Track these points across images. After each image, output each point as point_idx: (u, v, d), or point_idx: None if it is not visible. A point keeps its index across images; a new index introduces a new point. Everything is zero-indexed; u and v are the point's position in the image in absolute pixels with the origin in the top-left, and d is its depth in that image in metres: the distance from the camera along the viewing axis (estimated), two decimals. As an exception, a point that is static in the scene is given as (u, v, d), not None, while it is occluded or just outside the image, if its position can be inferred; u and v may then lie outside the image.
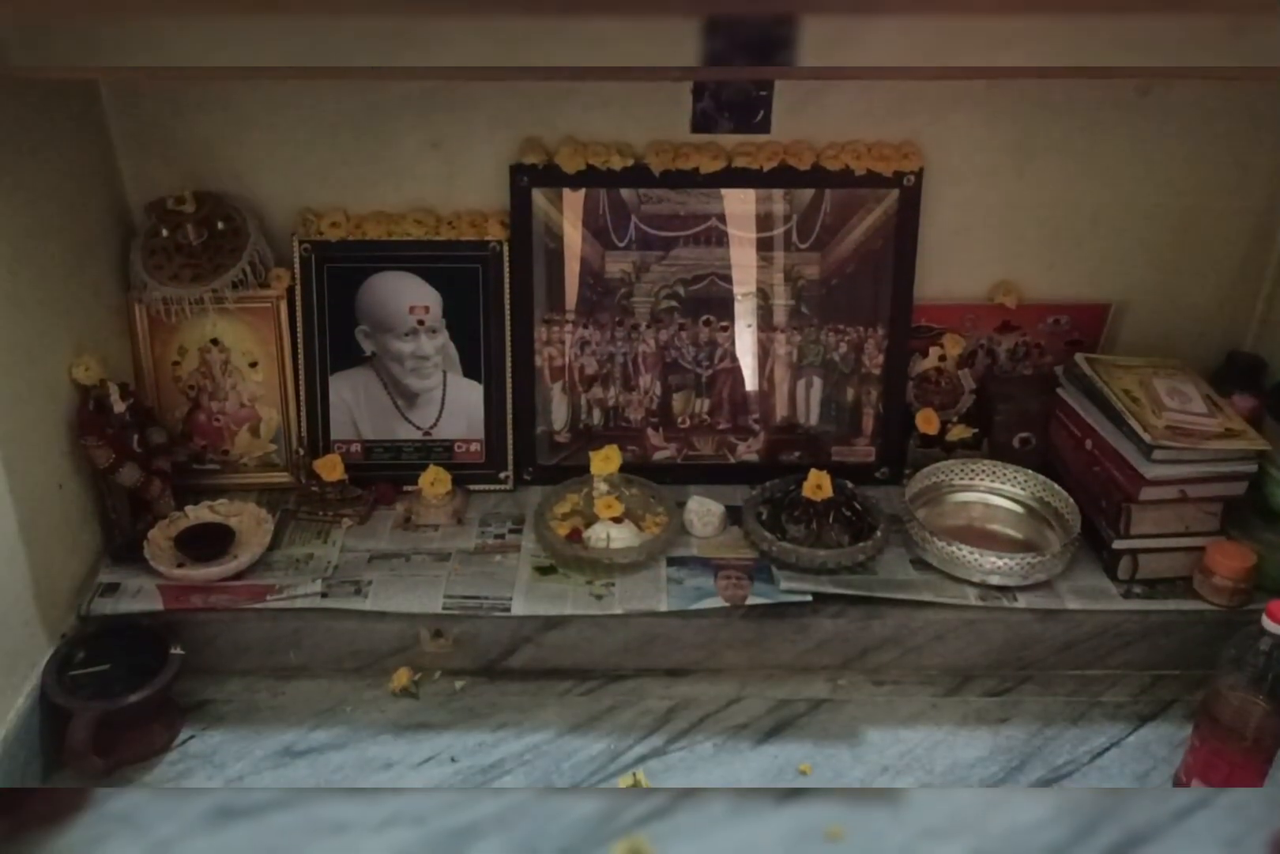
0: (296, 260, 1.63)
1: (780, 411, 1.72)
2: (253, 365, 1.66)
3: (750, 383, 1.70)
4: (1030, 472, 1.63)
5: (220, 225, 1.59)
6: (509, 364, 1.68)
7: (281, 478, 1.69)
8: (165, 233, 1.57)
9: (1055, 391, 1.65)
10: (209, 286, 1.57)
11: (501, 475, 1.71)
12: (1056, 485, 1.60)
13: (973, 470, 1.66)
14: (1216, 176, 1.64)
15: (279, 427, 1.68)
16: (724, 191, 1.62)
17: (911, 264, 1.65)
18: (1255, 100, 1.58)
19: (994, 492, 1.66)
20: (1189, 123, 1.60)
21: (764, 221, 1.64)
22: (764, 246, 1.65)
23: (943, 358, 1.72)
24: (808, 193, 1.62)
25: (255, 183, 1.64)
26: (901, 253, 1.64)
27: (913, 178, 1.60)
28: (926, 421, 1.69)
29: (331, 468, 1.62)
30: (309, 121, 1.59)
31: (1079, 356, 1.61)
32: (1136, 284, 1.71)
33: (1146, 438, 1.44)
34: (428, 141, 1.61)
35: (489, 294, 1.65)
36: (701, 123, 1.60)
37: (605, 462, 1.59)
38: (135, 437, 1.52)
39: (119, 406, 1.50)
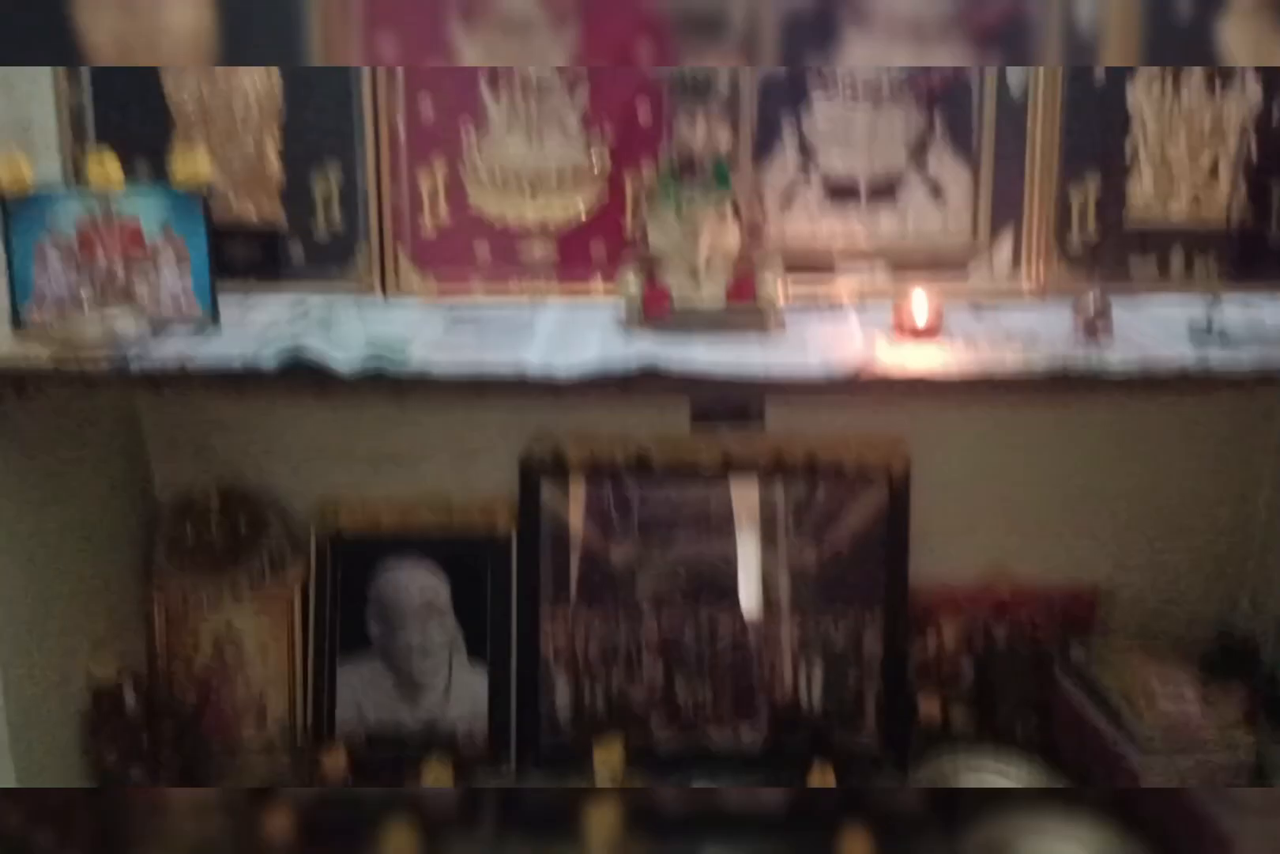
0: (313, 550, 1.69)
1: (783, 697, 1.73)
2: (263, 654, 1.69)
3: (753, 668, 1.73)
4: (1035, 759, 1.63)
5: (242, 522, 1.66)
6: (514, 650, 1.71)
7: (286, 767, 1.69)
8: (189, 531, 1.64)
9: (1053, 677, 1.67)
10: (229, 582, 1.63)
11: (503, 767, 1.70)
12: (1061, 775, 1.60)
13: (978, 756, 1.66)
14: (1198, 463, 1.72)
15: (285, 715, 1.70)
16: (723, 482, 1.71)
17: (905, 551, 1.71)
18: (1233, 393, 1.68)
19: (1000, 774, 1.65)
20: (1169, 412, 1.69)
21: (762, 511, 1.71)
22: (763, 535, 1.72)
23: (940, 640, 1.75)
24: (802, 484, 1.70)
25: (277, 474, 1.72)
26: (894, 540, 1.71)
27: (901, 469, 1.69)
28: (929, 706, 1.71)
29: (335, 763, 1.62)
30: (331, 418, 1.68)
31: (1073, 644, 1.65)
32: (1126, 566, 1.76)
33: (1141, 735, 1.46)
34: (441, 436, 1.70)
35: (496, 581, 1.71)
36: (700, 421, 1.70)
37: (608, 758, 1.58)
38: (145, 735, 1.54)
39: (131, 701, 1.53)
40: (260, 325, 1.34)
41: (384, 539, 1.71)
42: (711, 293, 1.31)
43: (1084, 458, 1.72)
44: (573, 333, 1.35)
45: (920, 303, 1.25)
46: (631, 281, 1.32)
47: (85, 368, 1.22)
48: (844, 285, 1.46)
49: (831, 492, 1.71)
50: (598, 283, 1.47)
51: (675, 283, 1.32)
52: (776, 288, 1.29)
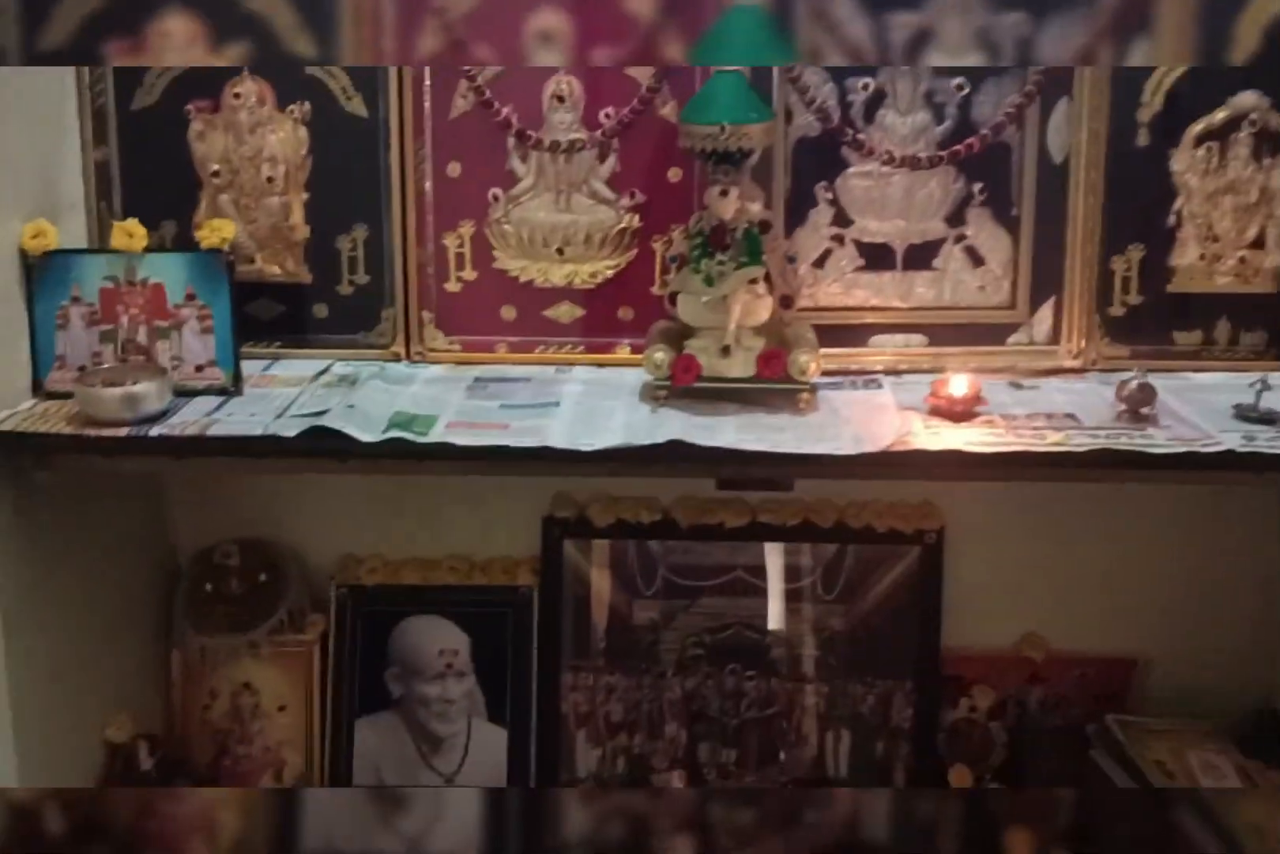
0: (333, 604, 1.67)
1: (808, 764, 1.69)
2: (281, 709, 1.67)
3: (778, 734, 1.69)
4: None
5: (262, 577, 1.64)
6: (534, 710, 1.68)
7: (301, 827, 1.67)
8: (209, 586, 1.63)
9: (1088, 752, 1.62)
10: (248, 636, 1.61)
11: (523, 831, 1.68)
12: None
13: (1007, 832, 1.62)
14: (1226, 536, 1.66)
15: (301, 772, 1.67)
16: (749, 544, 1.67)
17: (937, 617, 1.66)
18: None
19: None
20: (1213, 491, 1.62)
21: (790, 573, 1.68)
22: (790, 598, 1.68)
23: (973, 709, 1.70)
24: (831, 547, 1.67)
25: (298, 529, 1.70)
26: (926, 606, 1.66)
27: (934, 536, 1.64)
28: (960, 779, 1.66)
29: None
30: (352, 476, 1.66)
31: (1110, 719, 1.60)
32: (1159, 639, 1.70)
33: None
34: (464, 496, 1.67)
35: (517, 639, 1.68)
36: (728, 482, 1.66)
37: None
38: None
39: (146, 764, 1.51)
40: (284, 390, 1.33)
41: (405, 595, 1.68)
42: (741, 366, 1.28)
43: (1124, 531, 1.67)
44: (598, 402, 1.32)
45: (959, 385, 1.22)
46: (659, 351, 1.29)
47: (104, 436, 1.21)
48: (879, 356, 1.43)
49: (861, 556, 1.67)
50: (624, 347, 1.45)
51: (704, 355, 1.29)
52: (809, 364, 1.26)
